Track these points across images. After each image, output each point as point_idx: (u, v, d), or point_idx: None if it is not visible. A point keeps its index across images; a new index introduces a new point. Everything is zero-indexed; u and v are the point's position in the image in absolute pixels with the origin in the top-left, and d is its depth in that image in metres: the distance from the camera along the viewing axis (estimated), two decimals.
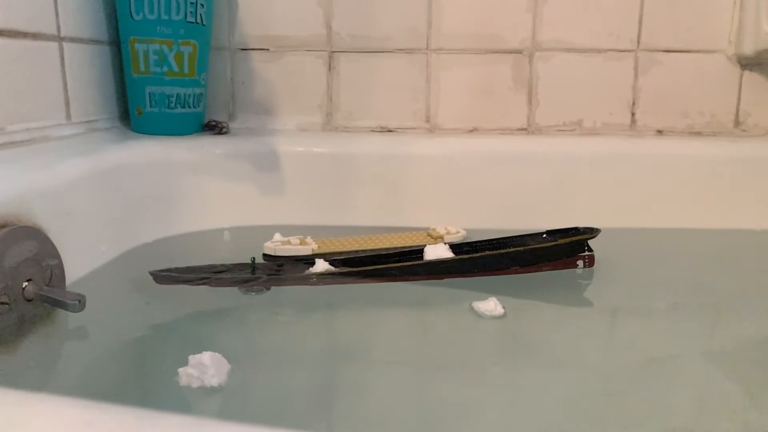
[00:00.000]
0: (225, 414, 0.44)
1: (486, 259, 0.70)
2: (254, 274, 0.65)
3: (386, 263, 0.70)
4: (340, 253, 0.75)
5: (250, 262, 0.67)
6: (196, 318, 0.60)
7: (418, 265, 0.69)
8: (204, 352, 0.46)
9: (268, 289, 0.63)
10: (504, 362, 0.54)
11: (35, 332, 0.52)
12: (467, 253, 0.72)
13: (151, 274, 0.60)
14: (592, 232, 0.72)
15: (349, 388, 0.49)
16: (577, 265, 0.72)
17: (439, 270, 0.69)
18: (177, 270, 0.62)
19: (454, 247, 0.73)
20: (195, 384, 0.45)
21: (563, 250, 0.72)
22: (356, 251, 0.77)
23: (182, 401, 0.44)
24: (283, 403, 0.46)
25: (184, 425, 0.24)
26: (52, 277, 0.55)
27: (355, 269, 0.67)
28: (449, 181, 0.93)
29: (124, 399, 0.46)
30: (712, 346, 0.57)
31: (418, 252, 0.71)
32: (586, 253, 0.72)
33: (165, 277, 0.61)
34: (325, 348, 0.56)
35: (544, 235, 0.76)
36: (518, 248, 0.71)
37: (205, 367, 0.45)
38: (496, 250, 0.72)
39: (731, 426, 0.43)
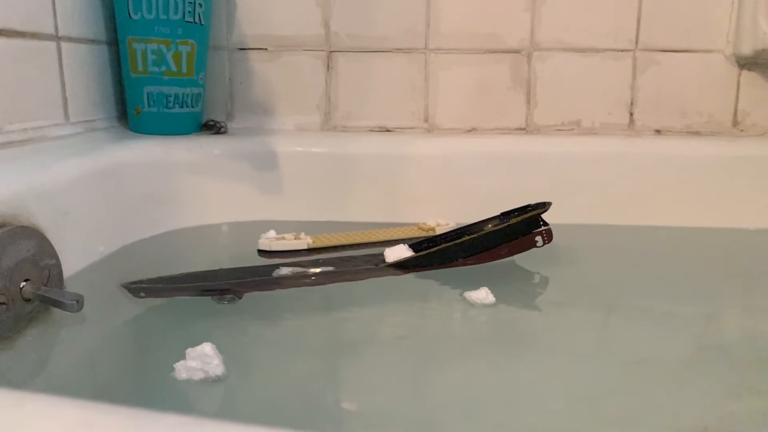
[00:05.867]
0: (232, 405, 0.44)
1: (444, 252, 0.70)
2: (224, 282, 0.63)
3: (348, 265, 0.70)
4: (302, 252, 0.76)
5: (219, 269, 0.66)
6: (188, 312, 0.59)
7: (381, 267, 0.69)
8: (203, 344, 0.46)
9: (240, 297, 0.60)
10: (497, 350, 0.54)
11: (33, 332, 0.52)
12: (426, 248, 0.71)
13: (124, 287, 0.59)
14: (544, 206, 0.72)
15: (345, 380, 0.49)
16: (536, 242, 0.72)
17: (401, 267, 0.69)
18: (149, 281, 0.61)
19: (415, 245, 0.73)
20: (197, 376, 0.45)
21: (518, 229, 0.71)
22: (341, 246, 0.78)
23: (185, 395, 0.45)
24: (281, 394, 0.46)
25: (184, 425, 0.24)
26: (50, 277, 0.55)
27: (319, 270, 0.67)
28: (448, 181, 0.93)
29: (125, 397, 0.46)
30: (700, 342, 0.57)
31: (380, 254, 0.72)
32: (542, 228, 0.71)
33: (136, 289, 0.59)
34: (319, 341, 0.56)
35: (501, 216, 0.76)
36: (473, 235, 0.71)
37: (209, 357, 0.45)
38: (453, 240, 0.72)
39: (720, 421, 0.44)
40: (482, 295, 0.61)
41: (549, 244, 0.71)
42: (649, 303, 0.65)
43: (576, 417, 0.44)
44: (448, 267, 0.70)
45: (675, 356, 0.53)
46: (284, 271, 0.66)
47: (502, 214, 0.75)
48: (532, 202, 0.73)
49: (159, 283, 0.61)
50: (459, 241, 0.71)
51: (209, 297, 0.61)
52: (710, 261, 0.81)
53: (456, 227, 0.80)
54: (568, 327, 0.59)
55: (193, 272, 0.64)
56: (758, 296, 0.69)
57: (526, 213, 0.72)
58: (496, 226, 0.73)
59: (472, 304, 0.61)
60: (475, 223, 0.76)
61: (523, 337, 0.57)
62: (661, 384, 0.48)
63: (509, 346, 0.55)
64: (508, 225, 0.71)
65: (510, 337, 0.57)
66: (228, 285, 0.62)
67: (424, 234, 0.83)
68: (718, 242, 0.87)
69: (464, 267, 0.70)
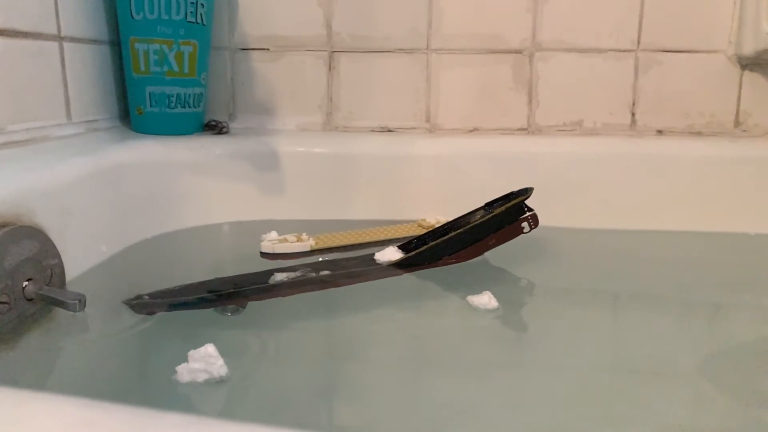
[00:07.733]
0: (236, 405, 0.44)
1: (434, 249, 0.70)
2: (221, 293, 0.62)
3: (343, 268, 0.70)
4: (290, 255, 0.76)
5: (216, 278, 0.65)
6: (190, 315, 0.59)
7: (371, 269, 0.69)
8: (206, 345, 0.46)
9: (244, 307, 0.60)
10: (501, 356, 0.54)
11: (35, 331, 0.52)
12: (415, 248, 0.72)
13: (126, 303, 0.58)
14: (526, 192, 0.72)
15: (347, 382, 0.49)
16: (523, 228, 0.72)
17: (395, 268, 0.69)
18: (151, 295, 0.60)
19: (404, 245, 0.73)
20: (201, 378, 0.45)
21: (503, 218, 0.72)
22: (344, 246, 0.78)
23: (188, 396, 0.45)
24: (283, 396, 0.46)
25: (186, 424, 0.24)
26: (52, 277, 0.55)
27: (316, 274, 0.67)
28: (449, 181, 0.93)
29: (127, 397, 0.46)
30: (703, 347, 0.57)
31: (371, 256, 0.72)
32: (527, 213, 0.72)
33: (138, 305, 0.58)
34: (321, 343, 0.56)
35: (485, 207, 0.76)
36: (459, 230, 0.71)
37: (213, 358, 0.45)
38: (441, 237, 0.72)
39: (721, 424, 0.44)
40: (485, 299, 0.61)
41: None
42: (652, 308, 0.65)
43: (581, 422, 0.43)
44: (441, 265, 0.70)
45: (679, 361, 0.53)
46: (279, 276, 0.66)
47: (486, 204, 0.76)
48: (526, 198, 0.73)
49: (159, 298, 0.60)
50: (447, 237, 0.71)
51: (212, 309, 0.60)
52: (711, 265, 0.80)
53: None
54: (572, 332, 0.59)
55: (192, 284, 0.64)
56: (759, 303, 0.68)
57: (510, 201, 0.72)
58: (482, 217, 0.73)
59: (474, 309, 0.61)
60: (460, 217, 0.76)
61: (526, 342, 0.57)
62: (665, 388, 0.48)
63: (512, 351, 0.55)
64: (493, 215, 0.71)
65: (513, 343, 0.57)
66: (231, 294, 0.61)
67: (423, 231, 0.83)
68: (714, 246, 0.86)
69: (465, 268, 0.70)
